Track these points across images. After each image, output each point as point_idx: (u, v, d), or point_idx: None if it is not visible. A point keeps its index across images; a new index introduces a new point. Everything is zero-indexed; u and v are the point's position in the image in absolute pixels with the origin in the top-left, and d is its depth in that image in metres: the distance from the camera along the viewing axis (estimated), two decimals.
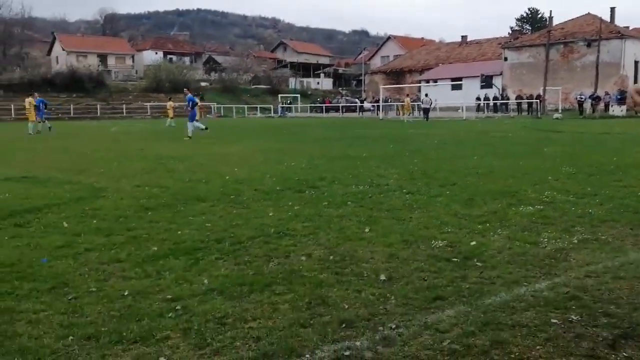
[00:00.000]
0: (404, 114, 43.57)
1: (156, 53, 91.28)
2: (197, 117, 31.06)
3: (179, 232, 6.49)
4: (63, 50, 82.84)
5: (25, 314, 4.11)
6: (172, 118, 35.22)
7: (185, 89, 30.14)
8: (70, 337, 3.70)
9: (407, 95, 47.11)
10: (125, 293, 4.49)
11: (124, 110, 59.94)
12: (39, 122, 29.10)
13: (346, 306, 4.18)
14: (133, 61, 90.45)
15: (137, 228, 6.73)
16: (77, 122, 46.25)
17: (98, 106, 59.89)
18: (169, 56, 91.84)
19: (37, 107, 29.33)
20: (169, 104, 37.28)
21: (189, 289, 4.58)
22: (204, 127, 24.60)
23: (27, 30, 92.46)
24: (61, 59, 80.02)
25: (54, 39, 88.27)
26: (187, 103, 24.35)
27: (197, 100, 25.41)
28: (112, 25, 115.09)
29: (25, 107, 30.35)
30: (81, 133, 29.77)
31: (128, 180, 10.66)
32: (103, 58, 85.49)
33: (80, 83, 63.93)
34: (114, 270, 5.13)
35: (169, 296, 4.41)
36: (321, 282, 4.69)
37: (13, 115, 51.20)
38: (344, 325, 3.84)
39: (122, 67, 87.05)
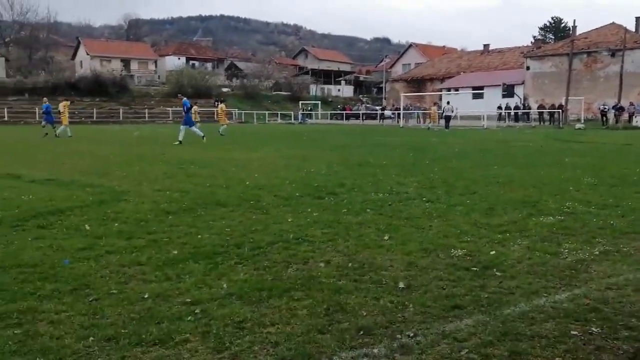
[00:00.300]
0: (431, 121, 43.63)
1: (179, 58, 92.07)
2: (225, 122, 31.21)
3: (199, 237, 6.53)
4: (87, 54, 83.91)
5: (47, 314, 4.16)
6: (197, 121, 35.45)
7: (179, 94, 30.52)
8: (91, 338, 3.74)
9: (435, 103, 47.02)
10: (146, 296, 4.53)
11: (146, 115, 60.50)
12: (43, 126, 29.29)
13: (364, 313, 4.19)
14: (156, 66, 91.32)
15: (158, 232, 6.79)
16: (100, 126, 46.75)
17: (121, 110, 60.56)
18: (191, 62, 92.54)
19: (45, 112, 29.69)
20: (194, 108, 37.48)
21: (208, 292, 4.61)
22: (202, 134, 24.35)
23: (52, 35, 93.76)
24: (85, 64, 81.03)
25: (79, 43, 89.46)
26: (183, 108, 24.58)
27: (190, 104, 25.56)
28: (135, 30, 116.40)
29: (60, 110, 30.90)
30: (104, 137, 30.08)
31: (149, 184, 10.76)
32: (126, 63, 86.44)
33: (104, 87, 64.65)
34: (134, 273, 5.19)
35: (189, 300, 4.44)
36: (339, 289, 4.70)
37: (37, 119, 51.85)
38: (361, 333, 3.84)
39: (145, 72, 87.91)
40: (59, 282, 4.88)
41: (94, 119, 56.76)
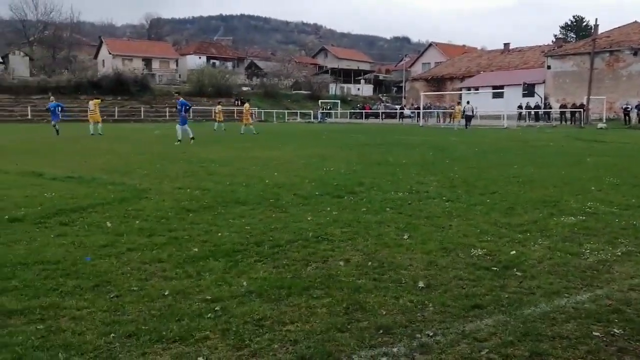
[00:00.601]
0: (454, 121, 43.50)
1: (199, 57, 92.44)
2: (249, 122, 31.15)
3: (219, 235, 6.57)
4: (109, 53, 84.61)
5: (69, 310, 4.22)
6: (221, 121, 35.60)
7: (176, 94, 30.30)
8: (112, 335, 3.78)
9: (458, 103, 46.81)
10: (166, 293, 4.57)
11: (167, 114, 60.86)
12: (54, 125, 29.26)
13: (384, 312, 4.19)
14: (177, 65, 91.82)
15: (178, 229, 6.84)
16: (122, 125, 47.13)
17: (142, 109, 60.98)
18: (212, 61, 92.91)
19: (51, 111, 29.82)
20: (218, 107, 37.61)
21: (228, 290, 4.64)
22: (191, 135, 23.48)
23: (75, 34, 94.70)
24: (107, 63, 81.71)
25: (101, 42, 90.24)
26: (179, 107, 24.21)
27: (189, 105, 25.06)
28: (157, 29, 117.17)
29: (90, 108, 31.40)
30: (125, 135, 30.32)
31: (170, 182, 10.83)
32: (148, 62, 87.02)
33: (125, 86, 65.08)
34: (155, 270, 5.23)
35: (209, 297, 4.47)
36: (359, 288, 4.70)
37: (61, 117, 52.38)
38: (381, 331, 3.84)
39: (166, 71, 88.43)
40: (81, 278, 4.94)
41: (116, 117, 57.17)
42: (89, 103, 32.33)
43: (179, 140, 22.77)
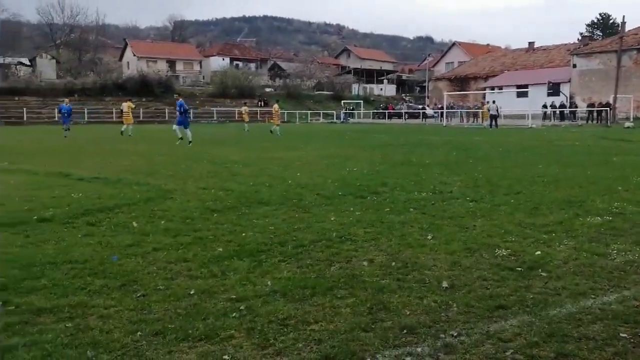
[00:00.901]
0: (481, 120, 43.41)
1: (223, 59, 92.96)
2: (277, 122, 31.19)
3: (243, 235, 6.62)
4: (134, 55, 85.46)
5: (97, 309, 4.28)
6: (246, 122, 35.77)
7: (176, 95, 30.35)
8: (139, 333, 3.84)
9: (487, 102, 46.61)
10: (192, 292, 4.62)
11: (191, 115, 61.24)
12: (65, 129, 28.81)
13: (408, 312, 4.19)
14: (200, 67, 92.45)
15: (203, 229, 6.90)
16: (146, 126, 47.56)
17: (166, 110, 61.47)
18: (235, 62, 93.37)
19: (63, 114, 29.62)
20: (244, 109, 37.80)
21: (252, 290, 4.67)
22: (180, 136, 23.41)
23: (100, 37, 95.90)
24: (132, 64, 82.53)
25: (126, 44, 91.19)
26: (177, 108, 24.26)
27: (186, 107, 24.86)
28: (180, 31, 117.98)
29: (124, 110, 32.00)
30: (150, 136, 30.61)
31: (194, 183, 10.93)
32: (172, 63, 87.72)
33: (150, 87, 65.71)
34: (180, 269, 5.29)
35: (233, 296, 4.51)
36: (383, 288, 4.71)
37: (86, 119, 53.16)
38: (405, 331, 3.84)
39: (190, 73, 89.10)
40: (108, 277, 5.01)
41: (140, 118, 57.55)
42: (123, 105, 33.00)
43: (180, 139, 22.99)
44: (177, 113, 24.48)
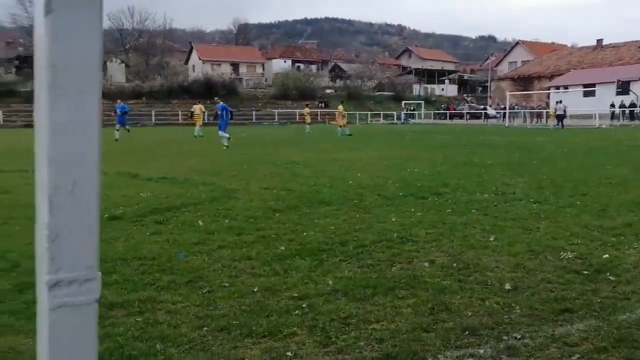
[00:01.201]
0: (548, 121, 42.64)
1: (285, 61, 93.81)
2: (342, 123, 31.27)
3: (305, 234, 6.71)
4: (199, 59, 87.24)
5: (165, 304, 4.44)
6: (307, 123, 36.02)
7: (215, 97, 29.97)
8: (205, 328, 3.96)
9: (557, 102, 45.59)
10: (255, 289, 4.73)
11: (254, 117, 62.15)
12: (117, 130, 28.71)
13: (469, 314, 4.17)
14: (263, 69, 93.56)
15: (266, 228, 7.03)
16: (209, 128, 48.49)
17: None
18: (296, 64, 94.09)
19: (122, 113, 30.00)
20: (306, 110, 38.07)
21: (314, 288, 4.74)
22: (228, 137, 22.62)
23: (168, 41, 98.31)
24: (197, 68, 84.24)
25: (191, 48, 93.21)
26: (220, 112, 23.45)
27: (230, 109, 24.15)
28: (244, 34, 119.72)
29: (196, 112, 33.13)
30: (213, 138, 31.17)
31: (257, 183, 11.12)
32: (235, 66, 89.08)
33: (214, 90, 66.76)
34: (244, 267, 5.41)
35: (295, 294, 4.59)
36: (444, 289, 4.70)
37: (153, 121, 54.64)
38: (467, 333, 3.83)
39: (253, 75, 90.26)
40: (175, 274, 5.18)
41: (205, 120, 58.89)
42: (194, 107, 33.97)
43: (226, 146, 21.91)
44: (221, 116, 23.57)
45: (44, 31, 0.81)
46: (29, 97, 50.80)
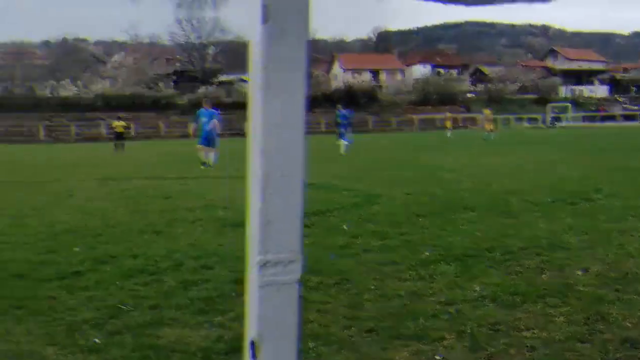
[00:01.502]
0: None
1: (424, 66, 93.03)
2: (491, 128, 30.66)
3: (450, 239, 6.65)
4: (341, 68, 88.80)
5: (315, 303, 4.58)
6: (449, 128, 35.66)
7: (338, 104, 27.89)
8: (353, 329, 4.06)
9: None
10: (401, 293, 4.77)
11: (394, 123, 62.21)
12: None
13: (629, 325, 3.95)
14: (403, 75, 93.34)
15: (410, 233, 7.05)
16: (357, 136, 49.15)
17: (370, 119, 63.00)
18: (436, 69, 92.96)
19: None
20: (447, 114, 37.79)
21: (461, 294, 4.71)
22: (348, 142, 21.91)
23: (312, 52, 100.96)
24: (339, 76, 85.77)
25: (333, 58, 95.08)
26: (343, 118, 22.52)
27: (349, 114, 23.24)
28: (384, 42, 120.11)
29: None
30: (357, 145, 31.54)
31: (400, 188, 11.14)
32: (375, 74, 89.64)
33: (355, 98, 67.80)
34: (389, 271, 5.47)
35: (442, 299, 4.58)
36: (600, 298, 4.48)
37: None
38: (627, 345, 3.64)
39: (393, 82, 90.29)
40: (324, 275, 5.33)
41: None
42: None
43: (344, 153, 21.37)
44: (342, 123, 22.84)
45: (259, 38, 0.92)
46: (185, 110, 54.61)
